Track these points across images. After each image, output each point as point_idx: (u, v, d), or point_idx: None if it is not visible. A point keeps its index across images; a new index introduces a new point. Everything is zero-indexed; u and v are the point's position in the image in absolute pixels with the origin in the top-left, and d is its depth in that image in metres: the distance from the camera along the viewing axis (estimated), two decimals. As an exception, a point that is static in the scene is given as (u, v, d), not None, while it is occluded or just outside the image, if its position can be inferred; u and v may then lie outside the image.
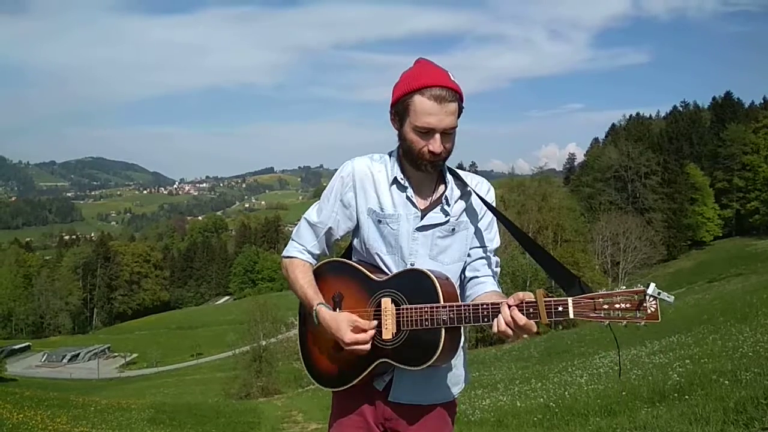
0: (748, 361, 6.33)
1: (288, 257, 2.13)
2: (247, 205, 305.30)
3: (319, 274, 2.09)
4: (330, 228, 2.08)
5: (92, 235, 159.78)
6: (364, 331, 1.90)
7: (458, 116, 1.92)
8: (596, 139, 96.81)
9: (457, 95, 1.89)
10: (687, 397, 5.39)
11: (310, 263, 2.11)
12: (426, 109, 1.86)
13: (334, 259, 2.15)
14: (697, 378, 6.04)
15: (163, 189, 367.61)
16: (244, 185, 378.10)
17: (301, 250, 2.11)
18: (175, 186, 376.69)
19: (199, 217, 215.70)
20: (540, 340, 33.28)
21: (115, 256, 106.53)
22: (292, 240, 2.14)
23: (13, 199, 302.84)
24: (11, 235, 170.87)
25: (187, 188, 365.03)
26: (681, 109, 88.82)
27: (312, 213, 2.11)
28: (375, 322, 1.91)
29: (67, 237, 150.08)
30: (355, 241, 2.12)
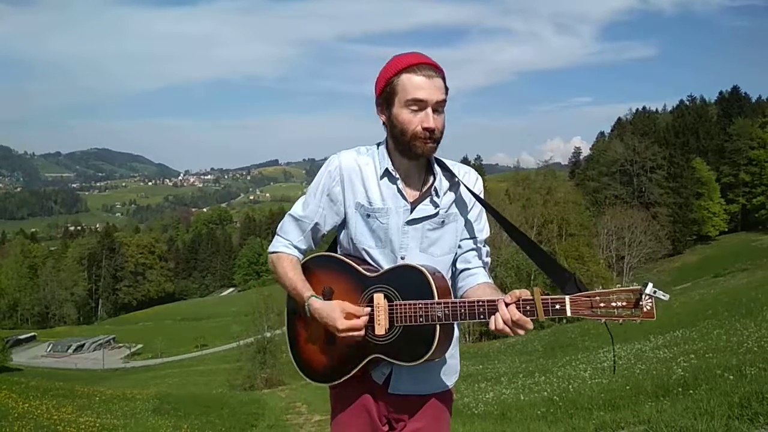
0: (753, 357, 6.32)
1: (275, 252, 2.09)
2: (251, 197, 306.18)
3: (306, 268, 2.06)
4: (316, 223, 2.04)
5: (97, 226, 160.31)
6: (357, 317, 1.88)
7: (446, 95, 1.93)
8: (602, 133, 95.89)
9: (441, 73, 1.91)
10: (691, 391, 5.37)
11: (298, 258, 2.07)
12: (416, 83, 1.87)
13: (322, 253, 2.11)
14: (701, 373, 6.02)
15: (168, 181, 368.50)
16: (248, 177, 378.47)
17: (286, 245, 2.07)
18: (180, 178, 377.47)
19: (204, 209, 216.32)
20: (544, 334, 33.26)
21: (120, 247, 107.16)
22: (278, 235, 2.10)
23: (19, 189, 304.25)
24: (16, 225, 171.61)
25: (191, 180, 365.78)
26: (687, 103, 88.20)
27: (297, 207, 2.07)
28: (368, 309, 1.89)
29: (72, 228, 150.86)
30: (341, 236, 2.09)
